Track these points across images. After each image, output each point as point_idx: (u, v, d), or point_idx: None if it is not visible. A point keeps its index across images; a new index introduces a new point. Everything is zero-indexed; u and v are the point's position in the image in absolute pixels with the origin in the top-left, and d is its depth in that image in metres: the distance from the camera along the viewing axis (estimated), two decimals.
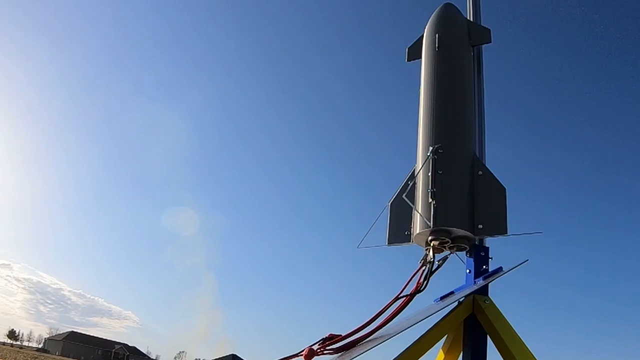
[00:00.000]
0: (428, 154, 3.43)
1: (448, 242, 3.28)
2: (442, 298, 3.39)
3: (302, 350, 2.94)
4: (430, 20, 4.03)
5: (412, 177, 3.57)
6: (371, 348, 2.78)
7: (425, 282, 3.21)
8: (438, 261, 3.32)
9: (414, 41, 4.14)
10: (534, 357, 2.93)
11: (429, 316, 3.00)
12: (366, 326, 3.06)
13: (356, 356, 2.74)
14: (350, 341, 3.00)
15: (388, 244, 3.54)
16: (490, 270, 3.30)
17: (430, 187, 3.32)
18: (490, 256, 3.37)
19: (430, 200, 3.30)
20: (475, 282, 3.28)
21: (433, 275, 3.25)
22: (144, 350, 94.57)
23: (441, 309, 3.13)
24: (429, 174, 3.37)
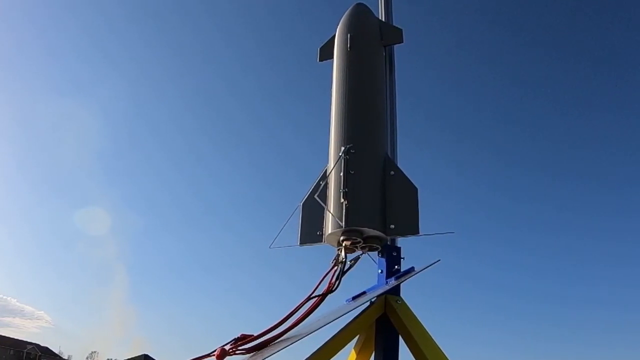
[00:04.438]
0: (340, 154, 3.41)
1: (360, 242, 3.27)
2: (354, 298, 3.38)
3: (214, 351, 2.85)
4: (342, 20, 4.03)
5: (324, 177, 3.54)
6: (283, 348, 2.73)
7: (337, 282, 3.18)
8: (350, 261, 3.29)
9: (326, 41, 4.13)
10: (445, 356, 2.96)
11: (340, 316, 2.97)
12: (278, 326, 3.01)
13: (268, 356, 2.68)
14: (262, 341, 2.94)
15: (300, 244, 3.49)
16: (402, 270, 3.31)
17: (342, 187, 3.30)
18: (402, 256, 3.39)
19: (342, 200, 3.28)
20: (387, 282, 3.29)
21: (345, 276, 3.23)
22: (56, 351, 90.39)
23: (353, 309, 3.11)
24: (341, 174, 3.35)
